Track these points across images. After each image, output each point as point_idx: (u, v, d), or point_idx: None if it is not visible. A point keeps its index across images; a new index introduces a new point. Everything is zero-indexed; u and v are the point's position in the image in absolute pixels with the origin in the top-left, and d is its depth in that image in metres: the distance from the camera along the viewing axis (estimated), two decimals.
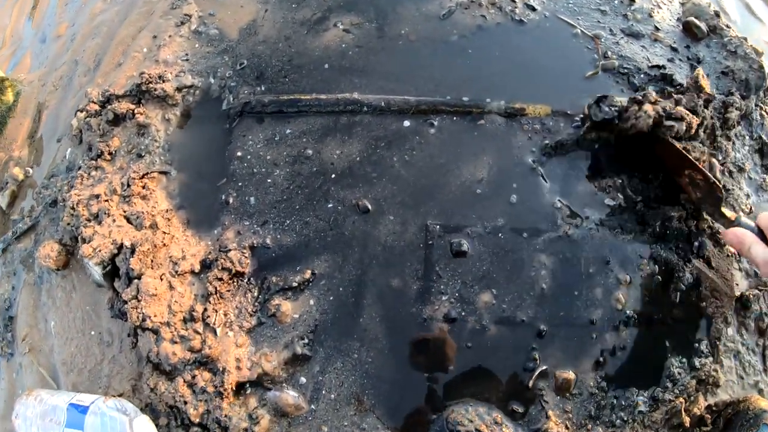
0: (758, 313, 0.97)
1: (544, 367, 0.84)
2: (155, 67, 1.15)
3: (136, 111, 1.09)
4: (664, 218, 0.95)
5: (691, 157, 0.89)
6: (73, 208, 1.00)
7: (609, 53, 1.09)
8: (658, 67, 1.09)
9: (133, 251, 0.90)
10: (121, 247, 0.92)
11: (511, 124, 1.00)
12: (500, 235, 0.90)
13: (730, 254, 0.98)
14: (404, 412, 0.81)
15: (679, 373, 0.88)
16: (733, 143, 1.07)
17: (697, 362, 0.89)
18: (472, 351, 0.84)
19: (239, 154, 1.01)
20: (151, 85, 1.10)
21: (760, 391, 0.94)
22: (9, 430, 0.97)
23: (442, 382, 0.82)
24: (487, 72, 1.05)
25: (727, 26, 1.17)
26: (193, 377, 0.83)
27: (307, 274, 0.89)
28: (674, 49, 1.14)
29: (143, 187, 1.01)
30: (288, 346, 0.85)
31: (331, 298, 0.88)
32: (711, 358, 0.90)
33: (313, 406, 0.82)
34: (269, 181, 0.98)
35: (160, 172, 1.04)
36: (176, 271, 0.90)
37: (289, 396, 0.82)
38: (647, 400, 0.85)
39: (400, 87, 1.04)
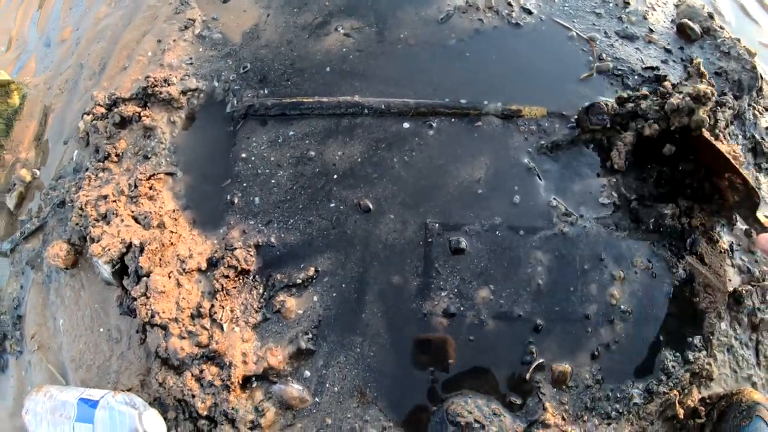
0: (751, 308, 0.99)
1: (541, 361, 0.86)
2: (160, 71, 1.17)
3: (142, 114, 1.12)
4: (657, 216, 0.98)
5: (733, 162, 0.91)
6: (81, 209, 1.03)
7: (604, 55, 1.12)
8: (652, 68, 1.11)
9: (142, 250, 0.92)
10: (129, 245, 0.94)
11: (508, 125, 1.02)
12: (497, 232, 0.93)
13: (722, 251, 1.00)
14: (405, 404, 0.84)
15: (673, 367, 0.90)
16: (727, 142, 1.10)
17: (690, 356, 0.91)
18: (470, 345, 0.86)
19: (243, 155, 1.04)
20: (156, 89, 1.12)
21: (754, 384, 0.96)
22: (19, 427, 1.00)
23: (442, 375, 0.85)
24: (485, 75, 1.08)
25: (721, 28, 1.20)
26: (201, 371, 0.86)
27: (311, 272, 0.91)
28: (668, 51, 1.17)
29: (150, 188, 1.04)
30: (292, 341, 0.88)
31: (334, 294, 0.90)
32: (704, 352, 0.92)
33: (317, 399, 0.84)
34: (273, 181, 1.00)
35: (167, 174, 1.06)
36: (184, 269, 0.92)
37: (294, 389, 0.85)
38: (642, 392, 0.87)
39: (400, 90, 1.06)
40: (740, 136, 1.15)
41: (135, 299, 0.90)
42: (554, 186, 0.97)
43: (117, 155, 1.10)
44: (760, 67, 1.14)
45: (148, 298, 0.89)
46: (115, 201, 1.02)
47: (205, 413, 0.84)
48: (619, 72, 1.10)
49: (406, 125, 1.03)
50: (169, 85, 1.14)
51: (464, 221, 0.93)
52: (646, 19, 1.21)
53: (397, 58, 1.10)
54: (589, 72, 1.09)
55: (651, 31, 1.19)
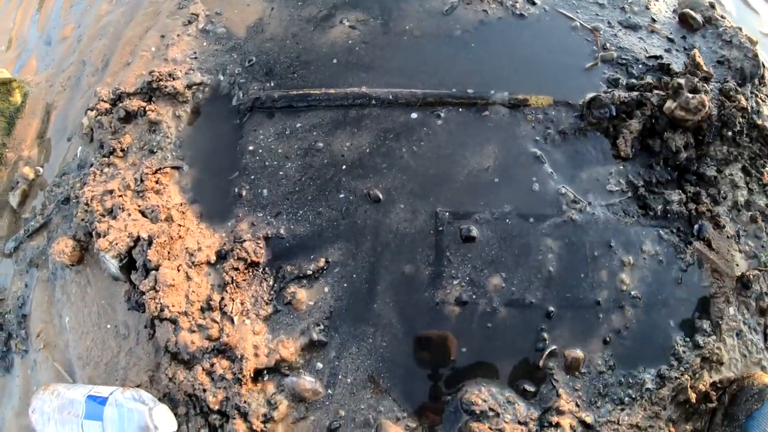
0: (759, 292, 1.00)
1: (554, 347, 0.86)
2: (165, 66, 1.17)
3: (147, 108, 1.11)
4: (665, 202, 0.98)
5: None
6: (87, 204, 1.02)
7: (608, 45, 1.13)
8: (656, 57, 1.12)
9: (150, 243, 0.91)
10: (137, 239, 0.93)
11: (515, 114, 1.03)
12: (507, 220, 0.93)
13: (729, 236, 1.01)
14: (419, 393, 0.83)
15: (684, 352, 0.90)
16: None
17: (701, 341, 0.91)
18: (483, 333, 0.86)
19: (251, 148, 1.03)
20: (161, 83, 1.12)
21: (763, 368, 0.96)
22: (26, 426, 0.98)
23: (455, 364, 0.85)
24: (491, 65, 1.08)
25: (722, 17, 1.21)
26: (212, 365, 0.85)
27: (321, 262, 0.91)
28: (671, 40, 1.18)
29: (156, 182, 1.03)
30: (304, 332, 0.87)
31: (345, 285, 0.90)
32: (714, 337, 0.93)
33: (330, 391, 0.84)
34: (281, 173, 1.00)
35: (173, 167, 1.05)
36: (193, 262, 0.92)
37: (307, 381, 0.84)
38: (654, 377, 0.88)
39: (407, 80, 1.06)
40: None
41: (143, 293, 0.90)
42: (562, 174, 0.97)
43: (122, 150, 1.10)
44: (761, 56, 1.15)
45: (157, 291, 0.88)
46: (121, 196, 1.02)
47: (217, 407, 0.83)
48: (623, 61, 1.10)
49: (413, 115, 1.03)
50: (174, 79, 1.14)
51: (474, 210, 0.94)
52: (648, 9, 1.23)
53: (403, 50, 1.11)
54: (593, 61, 1.10)
55: (654, 20, 1.21)
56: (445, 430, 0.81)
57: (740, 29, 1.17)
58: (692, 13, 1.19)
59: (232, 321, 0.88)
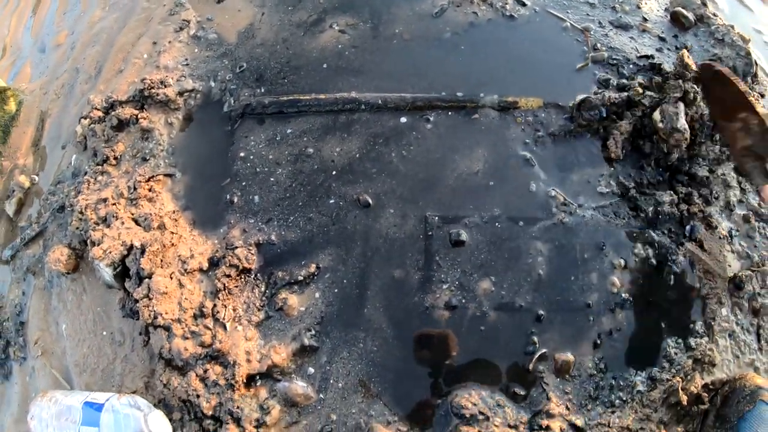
0: (751, 293, 0.99)
1: (544, 351, 0.86)
2: (156, 73, 1.17)
3: (139, 116, 1.12)
4: (656, 203, 0.98)
5: (751, 99, 0.83)
6: (81, 213, 1.03)
7: (598, 45, 1.12)
8: (647, 57, 1.12)
9: (143, 251, 0.92)
10: (131, 248, 0.94)
11: (505, 117, 1.03)
12: (497, 224, 0.93)
13: (721, 236, 1.01)
14: (410, 397, 0.84)
15: (676, 353, 0.90)
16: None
17: (692, 342, 0.91)
18: (473, 337, 0.86)
19: (242, 154, 1.04)
20: (153, 90, 1.13)
21: (756, 369, 0.96)
22: None
23: (446, 368, 0.85)
24: (480, 67, 1.08)
25: (714, 15, 1.20)
26: (205, 371, 0.86)
27: (312, 268, 0.92)
28: (662, 39, 1.17)
29: (149, 190, 1.04)
30: (296, 338, 0.88)
31: (336, 290, 0.90)
32: (706, 338, 0.92)
33: (321, 396, 0.85)
34: (272, 179, 1.00)
35: (166, 175, 1.06)
36: (185, 270, 0.92)
37: (299, 386, 0.85)
38: (645, 380, 0.88)
39: (396, 84, 1.06)
40: None
41: (137, 301, 0.91)
42: (552, 176, 0.97)
43: (115, 158, 1.10)
44: (754, 53, 1.14)
45: (150, 299, 0.89)
46: (114, 204, 1.02)
47: (210, 413, 0.84)
48: (614, 61, 1.10)
49: (403, 120, 1.03)
50: (165, 86, 1.14)
51: (464, 213, 0.94)
52: (639, 8, 1.22)
53: (393, 53, 1.11)
54: (584, 62, 1.10)
55: (645, 20, 1.20)
56: None
57: (732, 27, 1.16)
58: (684, 11, 1.18)
59: (225, 327, 0.89)
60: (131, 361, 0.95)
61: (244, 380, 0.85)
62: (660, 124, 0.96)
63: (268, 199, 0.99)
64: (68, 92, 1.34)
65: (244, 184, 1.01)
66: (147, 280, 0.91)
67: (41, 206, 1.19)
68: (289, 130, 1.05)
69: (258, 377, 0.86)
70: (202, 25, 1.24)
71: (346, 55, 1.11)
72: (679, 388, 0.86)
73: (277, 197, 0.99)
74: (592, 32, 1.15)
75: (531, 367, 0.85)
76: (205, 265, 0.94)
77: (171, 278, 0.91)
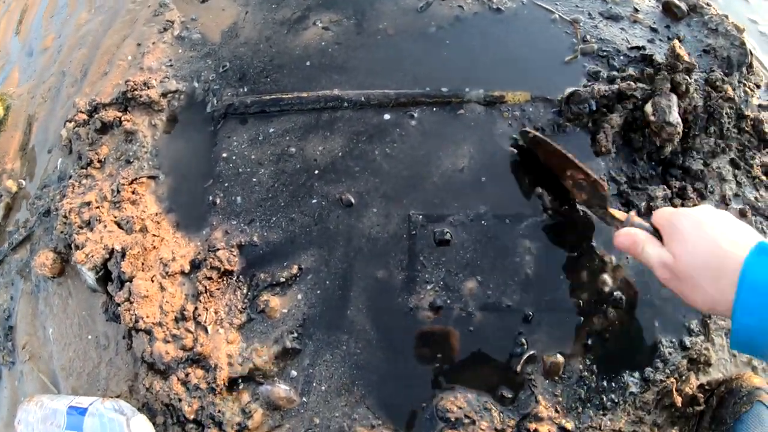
0: None
1: (532, 352, 0.84)
2: (140, 74, 1.16)
3: (123, 118, 1.11)
4: (649, 198, 0.95)
5: (570, 156, 0.83)
6: (65, 217, 1.02)
7: (588, 37, 1.09)
8: (638, 48, 1.08)
9: (123, 255, 0.91)
10: (112, 251, 0.94)
11: (491, 112, 1.00)
12: (483, 222, 0.91)
13: None
14: (394, 401, 0.82)
15: (670, 353, 0.87)
16: None
17: (687, 341, 0.88)
18: (459, 338, 0.84)
19: (224, 155, 1.02)
20: (136, 92, 1.12)
21: (754, 369, 0.93)
22: None
23: (431, 370, 0.83)
24: (466, 62, 1.06)
25: (708, 4, 1.16)
26: (187, 375, 0.85)
27: (294, 270, 0.90)
28: (654, 30, 1.14)
29: (133, 193, 1.03)
30: (278, 340, 0.86)
31: (318, 291, 0.89)
32: (702, 337, 0.89)
33: (304, 399, 0.83)
34: (254, 180, 0.99)
35: (149, 177, 1.05)
36: (167, 273, 0.91)
37: (281, 389, 0.83)
38: (638, 381, 0.85)
39: (380, 81, 1.04)
40: None
41: (119, 305, 0.90)
42: (540, 172, 0.95)
43: (99, 161, 1.10)
44: (749, 43, 1.10)
45: (131, 303, 0.88)
46: (98, 207, 1.02)
47: (192, 417, 0.83)
48: (604, 53, 1.07)
49: (386, 117, 1.01)
50: (148, 88, 1.13)
51: (448, 212, 0.92)
52: None
53: (377, 49, 1.09)
54: (573, 54, 1.07)
55: (636, 10, 1.17)
56: None
57: (726, 17, 1.13)
58: (676, 1, 1.14)
59: (206, 330, 0.88)
60: (116, 365, 0.95)
61: (226, 384, 0.84)
62: (652, 118, 0.93)
63: (250, 200, 0.97)
64: (55, 96, 1.34)
65: (226, 185, 0.99)
66: (128, 283, 0.90)
67: (28, 210, 1.19)
68: (271, 130, 1.03)
69: (240, 380, 0.85)
70: (186, 26, 1.23)
71: (330, 52, 1.10)
72: (674, 389, 0.83)
73: (259, 198, 0.97)
74: (581, 24, 1.12)
75: (519, 368, 0.83)
76: (187, 268, 0.93)
77: (152, 281, 0.90)
